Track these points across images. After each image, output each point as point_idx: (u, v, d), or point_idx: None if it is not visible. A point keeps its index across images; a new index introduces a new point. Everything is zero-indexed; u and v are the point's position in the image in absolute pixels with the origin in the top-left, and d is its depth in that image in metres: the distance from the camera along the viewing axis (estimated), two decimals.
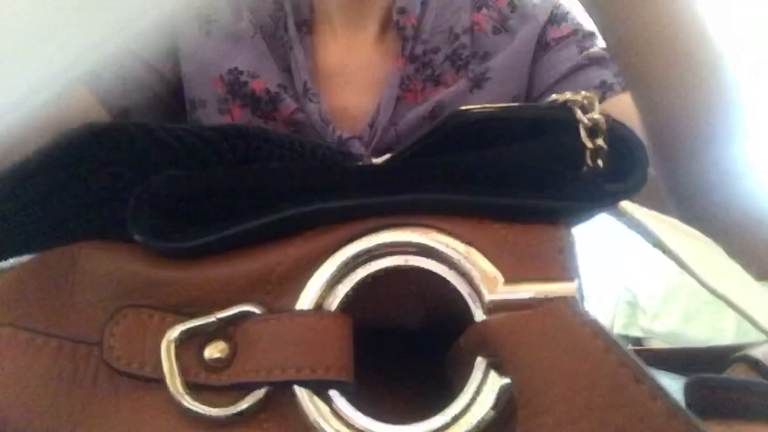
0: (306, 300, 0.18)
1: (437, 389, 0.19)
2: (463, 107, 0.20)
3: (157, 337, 0.18)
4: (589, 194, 0.18)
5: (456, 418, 0.17)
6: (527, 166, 0.19)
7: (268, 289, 0.18)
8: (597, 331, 0.13)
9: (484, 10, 0.61)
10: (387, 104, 0.58)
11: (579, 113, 0.19)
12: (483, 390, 0.16)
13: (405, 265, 0.18)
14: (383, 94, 0.58)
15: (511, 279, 0.17)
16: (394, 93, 0.58)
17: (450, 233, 0.18)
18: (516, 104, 0.21)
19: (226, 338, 0.18)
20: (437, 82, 0.59)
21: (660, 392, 0.12)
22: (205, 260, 0.19)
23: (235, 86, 0.58)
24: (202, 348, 0.18)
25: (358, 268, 0.18)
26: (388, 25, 0.61)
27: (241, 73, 0.58)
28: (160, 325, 0.18)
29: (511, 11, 0.60)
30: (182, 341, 0.18)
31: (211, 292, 0.18)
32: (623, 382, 0.12)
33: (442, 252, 0.18)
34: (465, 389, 0.17)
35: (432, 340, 0.22)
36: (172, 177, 0.19)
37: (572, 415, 0.12)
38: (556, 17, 0.61)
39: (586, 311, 0.14)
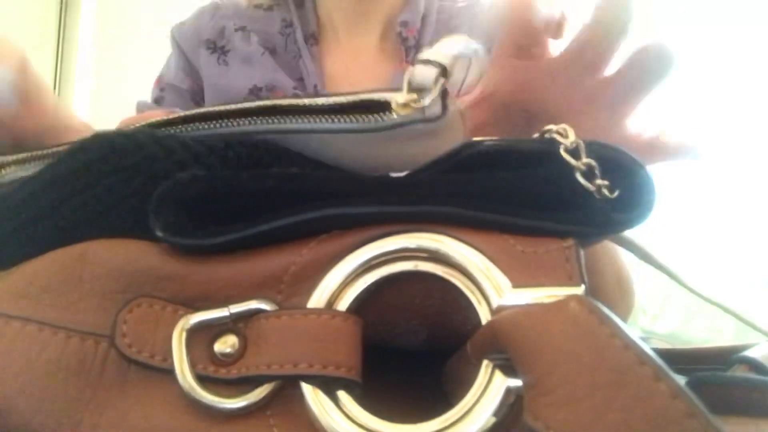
0: (318, 300, 0.19)
1: (438, 400, 0.19)
2: (477, 138, 0.20)
3: (169, 328, 0.18)
4: (597, 222, 0.19)
5: (454, 423, 0.17)
6: (536, 190, 0.19)
7: (280, 288, 0.19)
8: (603, 318, 0.14)
9: None
10: None
11: (568, 158, 0.19)
12: (486, 393, 0.17)
13: (414, 270, 0.19)
14: None
15: (518, 285, 0.18)
16: None
17: (460, 240, 0.19)
18: (522, 138, 0.21)
19: (237, 333, 0.18)
20: None
21: (664, 374, 0.12)
22: (219, 257, 0.19)
23: None
24: (212, 342, 0.18)
25: (369, 271, 0.19)
26: (387, 35, 0.67)
27: (260, 89, 0.64)
28: (173, 316, 0.18)
29: None
30: (193, 333, 0.18)
31: (224, 288, 0.19)
32: (627, 364, 0.13)
33: (452, 258, 0.18)
34: (468, 392, 0.17)
35: (433, 361, 0.22)
36: (196, 176, 0.20)
37: (576, 394, 0.13)
38: None
39: (594, 302, 0.14)
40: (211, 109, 0.24)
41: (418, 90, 0.21)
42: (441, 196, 0.19)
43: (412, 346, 0.23)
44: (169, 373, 0.18)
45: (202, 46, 0.68)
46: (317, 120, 0.23)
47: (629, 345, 0.13)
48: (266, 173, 0.20)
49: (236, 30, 0.67)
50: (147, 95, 0.73)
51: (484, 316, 0.18)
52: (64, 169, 0.21)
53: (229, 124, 0.24)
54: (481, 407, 0.17)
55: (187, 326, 0.18)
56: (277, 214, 0.19)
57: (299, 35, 0.65)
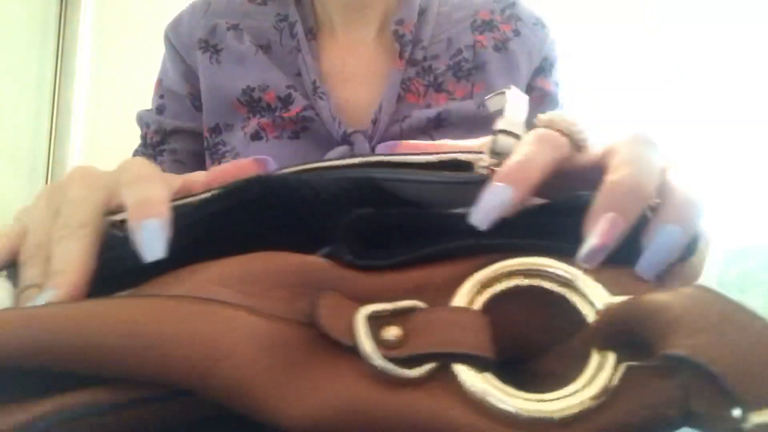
0: (458, 302, 0.24)
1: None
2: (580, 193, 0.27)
3: (352, 314, 0.23)
4: None
5: (577, 391, 0.21)
6: None
7: (427, 295, 0.24)
8: (713, 288, 0.20)
9: (487, 33, 0.66)
10: (389, 100, 0.61)
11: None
12: (602, 368, 0.21)
13: (525, 285, 0.25)
14: (385, 91, 0.62)
15: (614, 293, 0.23)
16: (396, 91, 0.62)
17: (565, 262, 0.25)
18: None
19: (398, 324, 0.23)
20: (439, 89, 0.63)
21: (757, 316, 0.19)
22: (379, 269, 0.25)
23: (252, 103, 0.63)
24: (379, 330, 0.23)
25: (493, 284, 0.25)
26: (384, 30, 0.66)
27: (253, 89, 0.63)
28: (353, 306, 0.23)
29: (515, 35, 0.66)
30: (366, 321, 0.23)
31: (386, 291, 0.24)
32: (732, 309, 0.19)
33: (558, 274, 0.24)
34: (579, 377, 0.21)
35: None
36: (376, 213, 0.26)
37: (700, 328, 0.18)
38: (544, 67, 0.68)
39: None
40: (331, 163, 0.31)
41: (499, 154, 0.29)
42: (545, 234, 0.26)
43: None
44: (353, 350, 0.22)
45: (197, 46, 0.66)
46: (417, 173, 0.30)
47: (732, 300, 0.19)
48: (429, 213, 0.27)
49: (228, 29, 0.66)
50: (147, 95, 0.72)
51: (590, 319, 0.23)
52: (220, 207, 0.27)
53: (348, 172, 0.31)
54: (600, 377, 0.21)
55: (366, 313, 0.23)
56: (433, 242, 0.25)
57: (299, 30, 0.64)
